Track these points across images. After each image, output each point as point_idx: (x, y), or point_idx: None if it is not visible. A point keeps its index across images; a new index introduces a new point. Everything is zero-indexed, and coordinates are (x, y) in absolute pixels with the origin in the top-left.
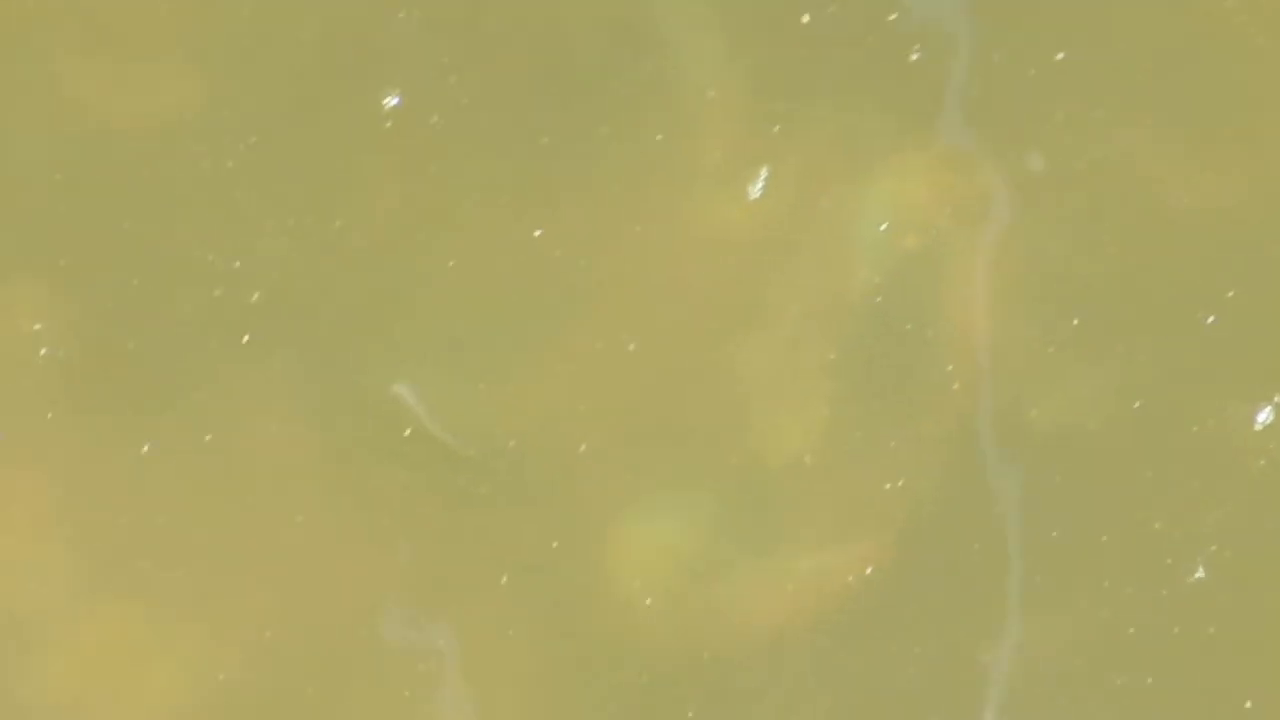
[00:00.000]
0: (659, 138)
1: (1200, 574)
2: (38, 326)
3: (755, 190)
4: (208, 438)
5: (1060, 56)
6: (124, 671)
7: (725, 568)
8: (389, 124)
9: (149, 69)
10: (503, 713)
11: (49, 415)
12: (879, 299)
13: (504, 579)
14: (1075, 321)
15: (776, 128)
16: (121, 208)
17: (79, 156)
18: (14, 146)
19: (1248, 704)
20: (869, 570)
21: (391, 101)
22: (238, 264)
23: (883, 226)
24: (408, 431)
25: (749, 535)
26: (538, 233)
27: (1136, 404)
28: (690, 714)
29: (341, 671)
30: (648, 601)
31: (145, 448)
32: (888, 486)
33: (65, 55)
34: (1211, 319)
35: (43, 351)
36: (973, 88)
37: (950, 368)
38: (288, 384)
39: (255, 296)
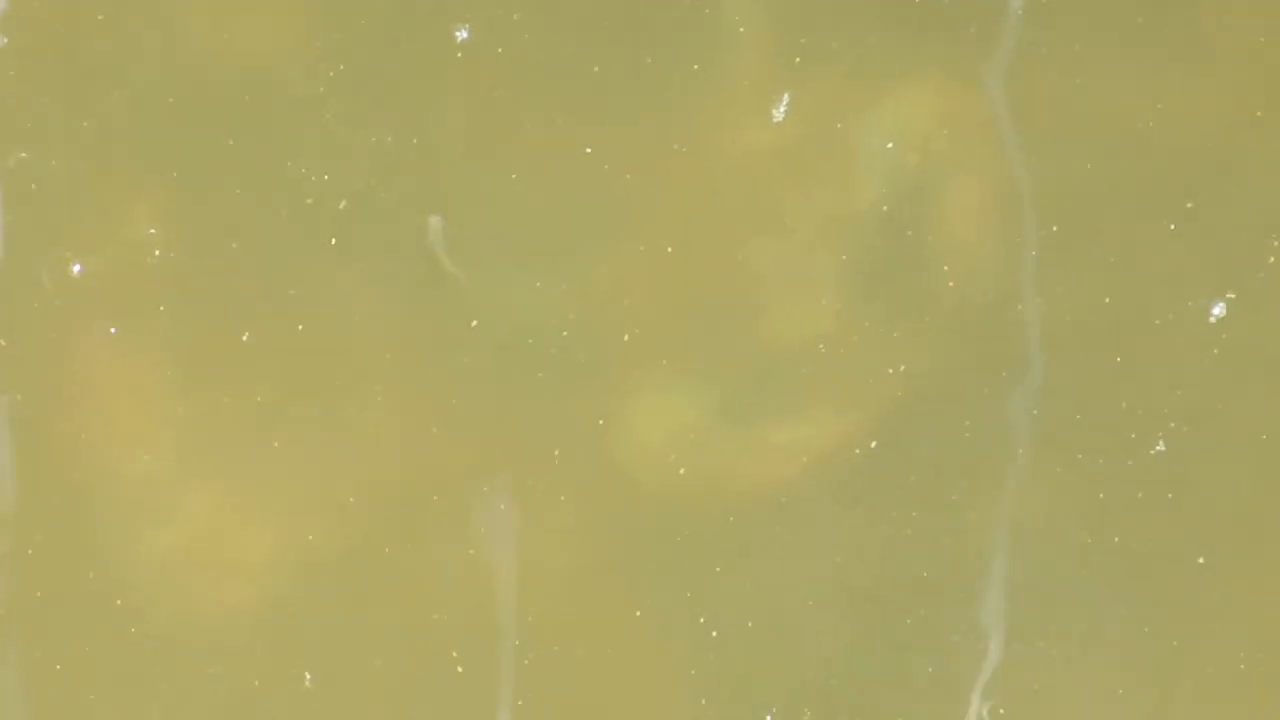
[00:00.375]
0: (695, 67)
1: (1161, 447)
2: (152, 231)
3: (779, 114)
4: (300, 327)
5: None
6: (223, 533)
7: (750, 441)
8: (460, 54)
9: (252, 8)
10: (553, 569)
11: (161, 308)
12: (884, 208)
13: (556, 451)
14: (1055, 228)
15: (798, 59)
16: (227, 128)
17: (190, 84)
18: (135, 76)
19: (1200, 559)
20: (874, 444)
21: (462, 35)
22: (327, 176)
23: (889, 145)
24: (474, 323)
25: (770, 412)
26: (589, 150)
27: (1107, 299)
28: (718, 568)
29: (414, 532)
30: (681, 471)
31: (245, 336)
32: (891, 371)
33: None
34: (1173, 226)
35: (156, 253)
36: (971, 26)
37: (946, 268)
38: (369, 282)
39: (342, 204)
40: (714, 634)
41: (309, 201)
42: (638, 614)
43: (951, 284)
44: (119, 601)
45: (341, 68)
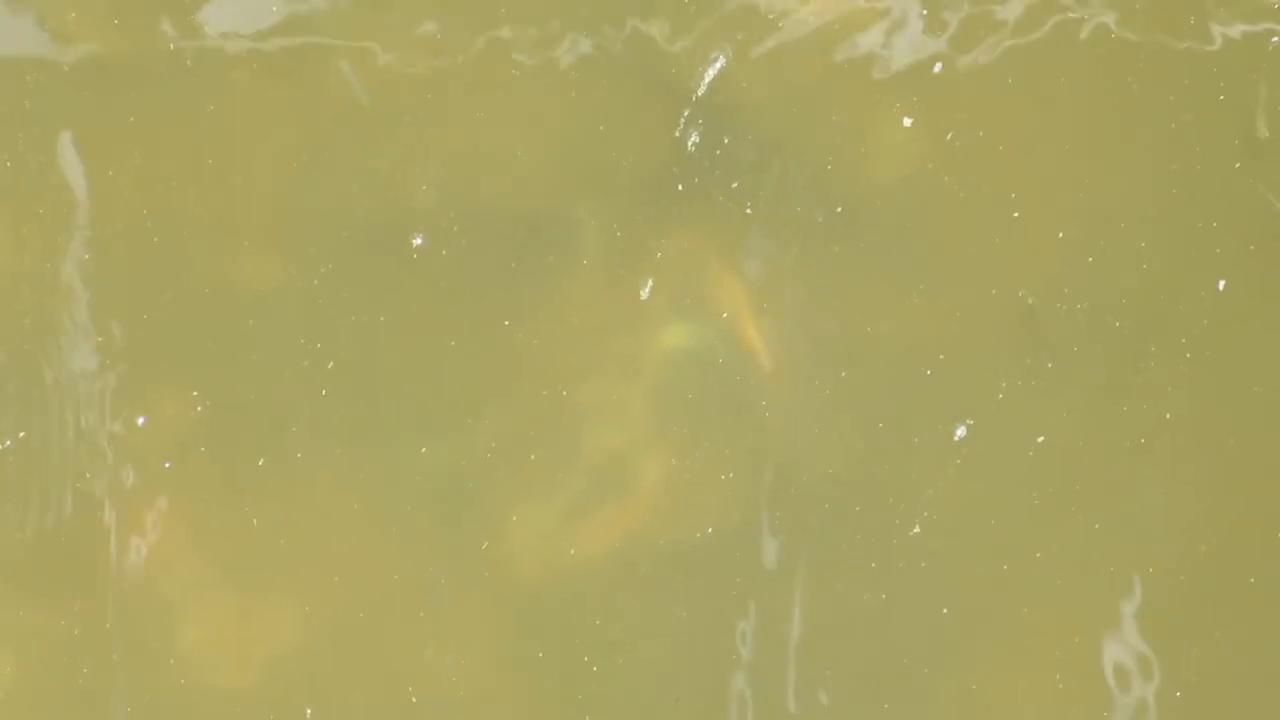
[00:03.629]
0: (584, 262)
1: (916, 530)
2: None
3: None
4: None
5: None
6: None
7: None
8: (415, 256)
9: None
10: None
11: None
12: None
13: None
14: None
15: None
16: (246, 313)
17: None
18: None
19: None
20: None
21: (417, 242)
22: (319, 345)
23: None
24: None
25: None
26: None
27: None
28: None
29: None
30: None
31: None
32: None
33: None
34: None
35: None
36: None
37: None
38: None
39: (330, 365)
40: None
41: (305, 364)
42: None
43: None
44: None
45: (331, 265)
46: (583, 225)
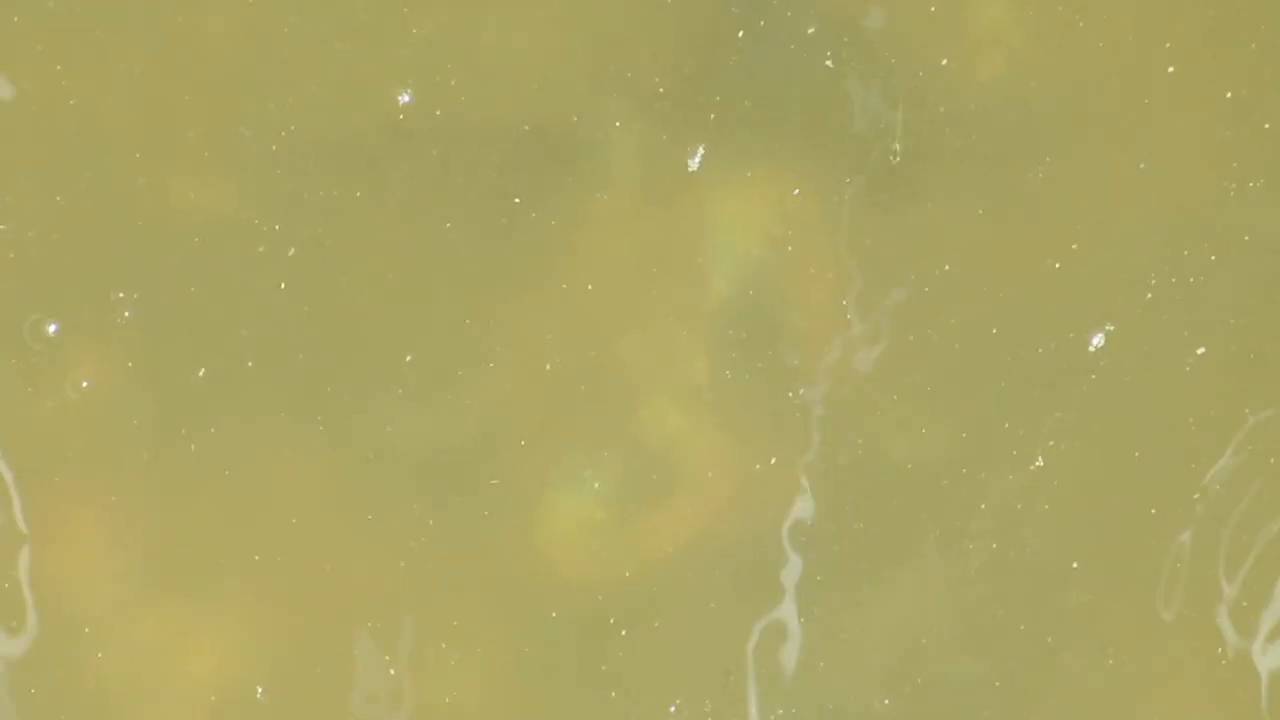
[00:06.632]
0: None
1: (1040, 462)
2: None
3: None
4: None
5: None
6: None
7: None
8: (402, 116)
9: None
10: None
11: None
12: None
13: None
14: (946, 267)
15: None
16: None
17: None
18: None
19: (1074, 564)
20: None
21: (404, 99)
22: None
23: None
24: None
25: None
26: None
27: (994, 330)
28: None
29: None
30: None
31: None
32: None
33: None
34: (1058, 265)
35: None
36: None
37: (845, 301)
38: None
39: (291, 251)
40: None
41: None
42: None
43: (850, 317)
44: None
45: (293, 128)
46: None
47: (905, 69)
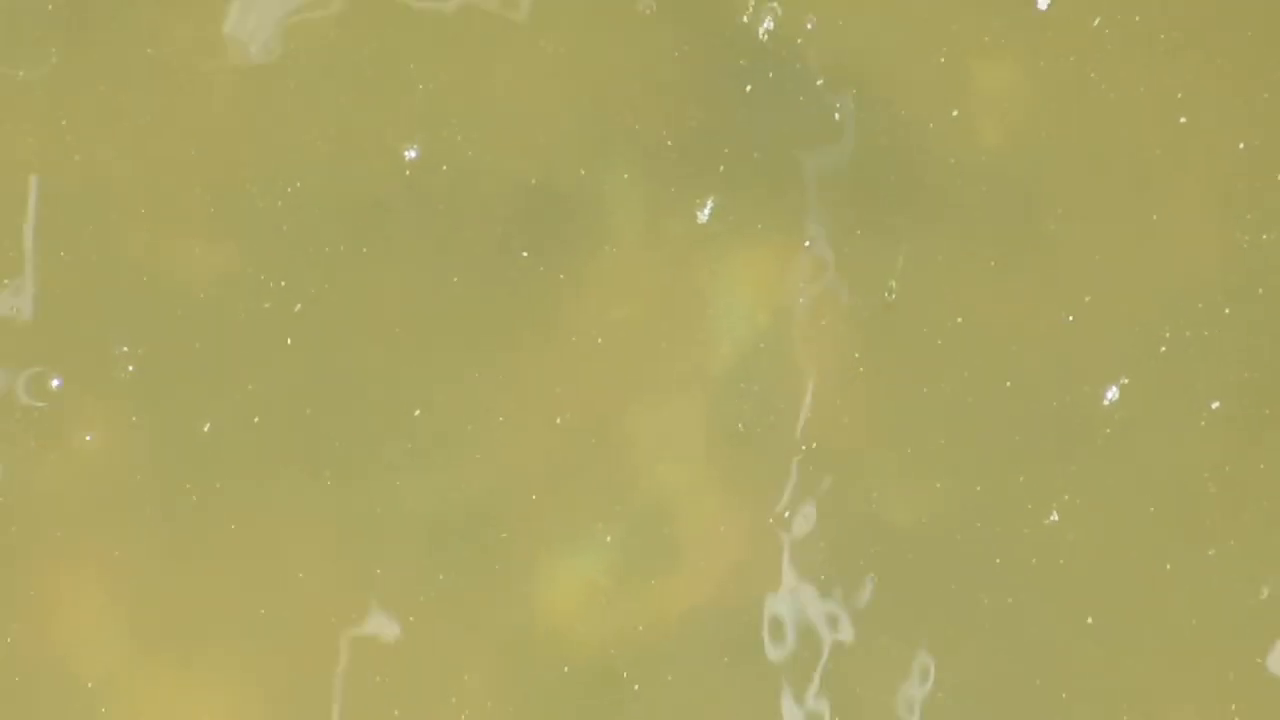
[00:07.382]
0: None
1: (1054, 517)
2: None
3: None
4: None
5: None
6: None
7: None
8: (408, 171)
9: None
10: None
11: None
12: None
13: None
14: (959, 320)
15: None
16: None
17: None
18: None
19: (1089, 619)
20: None
21: (410, 154)
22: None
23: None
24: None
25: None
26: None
27: (1008, 384)
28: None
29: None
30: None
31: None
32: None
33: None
34: (1071, 318)
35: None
36: None
37: (857, 354)
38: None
39: (298, 307)
40: None
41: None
42: None
43: (861, 369)
44: None
45: (299, 183)
46: None
47: (915, 121)
